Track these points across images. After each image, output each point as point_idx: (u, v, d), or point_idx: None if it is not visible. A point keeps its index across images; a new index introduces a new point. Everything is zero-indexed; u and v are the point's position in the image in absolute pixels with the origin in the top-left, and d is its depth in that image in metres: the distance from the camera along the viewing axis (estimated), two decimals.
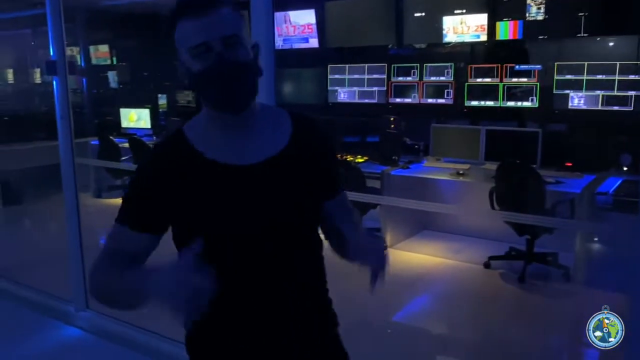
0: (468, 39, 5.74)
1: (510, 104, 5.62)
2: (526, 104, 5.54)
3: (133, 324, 2.99)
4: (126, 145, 6.36)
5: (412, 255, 4.34)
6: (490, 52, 5.56)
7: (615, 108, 5.13)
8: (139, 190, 1.17)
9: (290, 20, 6.71)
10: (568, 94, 5.31)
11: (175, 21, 1.10)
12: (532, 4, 5.30)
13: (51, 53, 2.83)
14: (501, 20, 5.49)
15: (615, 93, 5.12)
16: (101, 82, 8.57)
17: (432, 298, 3.77)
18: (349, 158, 5.13)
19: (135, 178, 1.18)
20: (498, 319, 3.53)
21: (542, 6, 5.26)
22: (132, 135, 6.59)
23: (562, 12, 5.18)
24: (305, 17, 6.60)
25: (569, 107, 5.34)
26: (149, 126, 7.23)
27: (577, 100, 5.32)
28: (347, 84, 6.52)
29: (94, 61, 8.54)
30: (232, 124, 1.15)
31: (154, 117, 7.32)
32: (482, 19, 5.59)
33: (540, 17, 5.31)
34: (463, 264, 4.23)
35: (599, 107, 5.21)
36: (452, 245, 4.41)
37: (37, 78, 8.75)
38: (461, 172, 4.45)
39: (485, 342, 3.22)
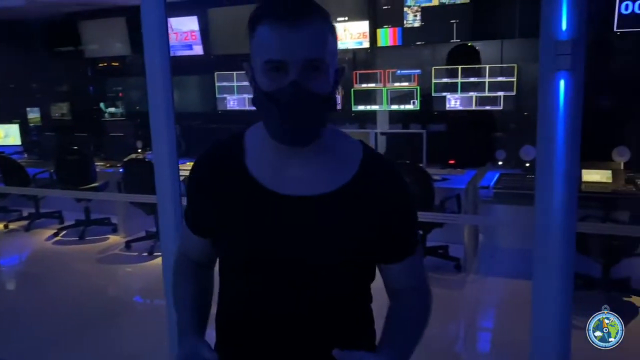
0: (351, 45, 5.94)
1: (394, 107, 5.90)
2: (408, 106, 5.85)
3: None
4: None
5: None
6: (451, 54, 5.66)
7: (487, 107, 5.57)
8: (190, 193, 1.13)
9: (172, 27, 6.51)
10: (445, 96, 5.69)
11: (256, 23, 0.93)
12: (408, 12, 5.60)
13: None
14: (381, 27, 5.75)
15: (487, 94, 5.56)
16: None
17: None
18: None
19: (189, 177, 1.13)
20: None
21: (418, 14, 5.59)
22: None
23: (435, 20, 5.54)
24: (187, 24, 6.45)
25: (447, 109, 5.72)
26: (19, 143, 6.63)
27: (453, 101, 5.71)
28: (236, 92, 6.45)
29: None
30: (289, 151, 1.01)
31: (24, 132, 6.72)
32: (363, 26, 5.81)
33: (416, 24, 5.63)
34: None
35: (474, 107, 5.64)
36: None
37: None
38: None
39: None
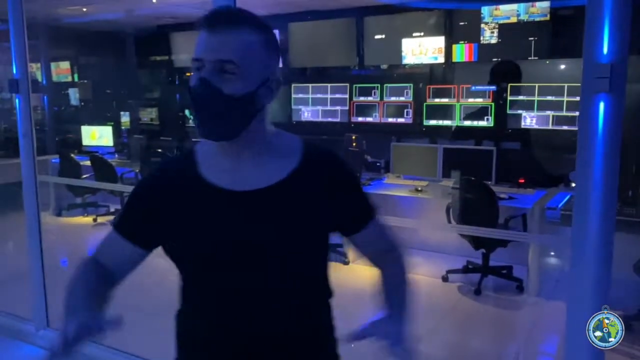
0: (426, 60, 5.97)
1: (467, 123, 5.86)
2: (482, 123, 5.78)
3: (95, 341, 2.98)
4: (87, 163, 6.31)
5: (374, 270, 4.42)
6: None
7: (565, 127, 5.41)
8: (136, 200, 1.17)
9: None
10: (521, 114, 5.58)
11: (198, 29, 1.05)
12: (485, 29, 5.56)
13: (14, 71, 2.84)
14: (457, 43, 5.74)
15: (564, 113, 5.40)
16: (62, 100, 8.48)
17: None
18: None
19: (135, 187, 1.19)
20: (456, 330, 3.66)
21: (495, 30, 5.53)
22: (93, 153, 6.54)
23: (513, 37, 5.46)
24: None
25: (522, 127, 5.60)
26: (111, 144, 7.18)
27: (529, 120, 5.59)
28: (310, 103, 6.65)
29: (54, 78, 8.46)
30: (229, 149, 1.10)
31: (116, 134, 7.28)
32: (439, 41, 5.83)
33: (493, 41, 5.57)
34: (422, 277, 4.34)
35: (550, 127, 5.49)
36: (412, 259, 4.53)
37: None
38: (419, 188, 4.60)
39: (443, 353, 3.32)
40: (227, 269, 1.09)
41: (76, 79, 8.42)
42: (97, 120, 7.49)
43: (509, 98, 5.62)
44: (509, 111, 5.63)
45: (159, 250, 1.17)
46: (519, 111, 5.58)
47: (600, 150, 1.46)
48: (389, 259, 1.25)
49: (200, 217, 1.09)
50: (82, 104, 8.48)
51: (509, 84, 5.61)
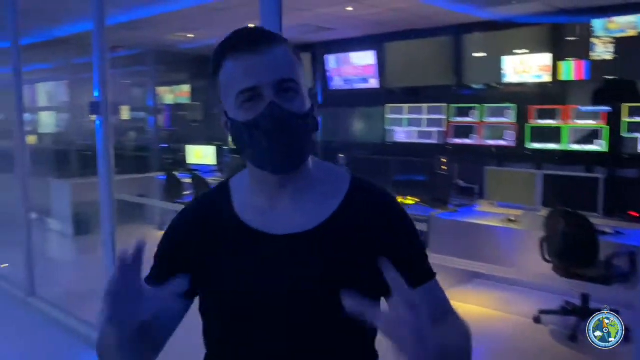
0: (529, 79, 5.54)
1: (576, 147, 5.33)
2: (593, 147, 5.22)
3: None
4: (189, 180, 6.61)
5: (459, 306, 4.08)
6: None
7: None
8: (168, 246, 1.05)
9: (350, 61, 6.81)
10: (638, 138, 4.95)
11: (220, 61, 0.94)
12: (597, 43, 5.05)
13: (95, 94, 3.01)
14: (564, 59, 5.27)
15: None
16: (180, 120, 9.04)
17: (476, 354, 3.55)
18: (399, 199, 5.02)
19: (166, 231, 1.07)
20: None
21: (610, 45, 5.00)
22: (194, 171, 6.85)
23: (632, 52, 4.89)
24: (365, 59, 6.67)
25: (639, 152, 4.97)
26: (214, 163, 7.49)
27: None
28: (405, 124, 6.45)
29: (176, 100, 9.07)
30: (275, 185, 0.98)
31: (220, 154, 7.56)
32: (544, 58, 5.39)
33: (608, 57, 5.04)
34: (512, 316, 3.96)
35: None
36: (503, 295, 4.16)
37: (125, 115, 9.10)
38: (512, 218, 4.22)
39: None
40: (260, 321, 0.97)
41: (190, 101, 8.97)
42: (206, 139, 7.86)
43: (626, 120, 5.03)
44: (624, 134, 5.03)
45: None
46: (636, 134, 4.96)
47: None
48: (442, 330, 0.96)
49: (232, 262, 0.98)
50: (195, 124, 8.97)
51: (626, 104, 5.02)
